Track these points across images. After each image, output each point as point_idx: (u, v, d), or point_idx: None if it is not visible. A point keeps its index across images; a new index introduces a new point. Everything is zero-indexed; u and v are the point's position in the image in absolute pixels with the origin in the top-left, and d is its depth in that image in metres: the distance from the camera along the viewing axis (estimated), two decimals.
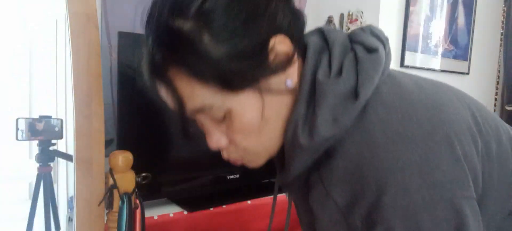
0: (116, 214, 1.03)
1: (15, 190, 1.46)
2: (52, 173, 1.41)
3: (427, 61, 2.02)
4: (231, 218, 1.59)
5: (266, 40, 0.55)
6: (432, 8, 2.00)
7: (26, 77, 1.44)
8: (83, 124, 0.99)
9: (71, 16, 0.99)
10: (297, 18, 0.61)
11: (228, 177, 1.70)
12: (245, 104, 0.57)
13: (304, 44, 0.61)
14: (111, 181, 1.03)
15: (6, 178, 1.44)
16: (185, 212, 1.48)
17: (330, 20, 2.04)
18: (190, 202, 1.54)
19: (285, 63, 0.57)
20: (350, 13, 1.94)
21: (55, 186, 1.45)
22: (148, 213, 1.39)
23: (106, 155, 1.05)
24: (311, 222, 0.65)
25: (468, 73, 2.28)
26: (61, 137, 1.40)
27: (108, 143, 1.55)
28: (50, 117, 1.38)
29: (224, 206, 1.57)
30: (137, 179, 1.08)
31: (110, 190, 1.03)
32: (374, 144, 0.52)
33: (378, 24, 1.81)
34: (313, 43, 0.61)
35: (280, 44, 0.56)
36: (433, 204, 0.50)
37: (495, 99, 2.57)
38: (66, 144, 1.44)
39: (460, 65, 2.23)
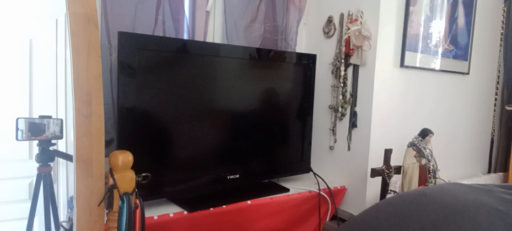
0: (116, 214, 1.03)
1: (15, 190, 1.46)
2: (52, 173, 1.41)
3: (427, 61, 2.02)
4: (231, 218, 1.59)
5: None
6: (432, 8, 2.00)
7: (26, 77, 1.44)
8: (83, 123, 0.99)
9: (71, 16, 0.99)
10: None
11: (228, 177, 1.70)
12: None
13: None
14: (111, 181, 1.03)
15: (6, 178, 1.44)
16: (185, 212, 1.48)
17: (330, 20, 2.04)
18: (190, 202, 1.54)
19: None
20: (350, 13, 1.94)
21: (55, 186, 1.45)
22: (148, 213, 1.39)
23: (106, 155, 1.05)
24: None
25: (468, 73, 2.29)
26: (61, 137, 1.40)
27: (108, 143, 1.55)
28: (50, 117, 1.38)
29: (224, 206, 1.57)
30: (137, 179, 1.08)
31: (110, 190, 1.03)
32: None
33: (378, 24, 1.81)
34: None
35: None
36: None
37: (495, 99, 2.57)
38: (66, 144, 1.44)
39: (460, 65, 2.23)
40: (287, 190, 1.80)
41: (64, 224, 1.42)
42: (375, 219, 0.77)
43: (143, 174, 1.10)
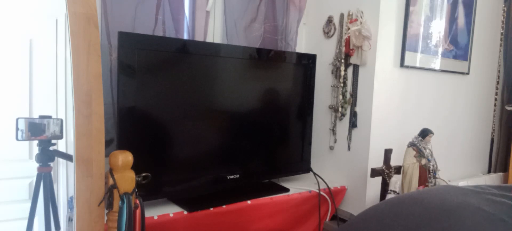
0: (116, 214, 1.03)
1: (15, 190, 1.46)
2: (52, 173, 1.41)
3: (427, 61, 2.02)
4: (231, 218, 1.59)
5: None
6: (432, 8, 2.00)
7: (26, 77, 1.44)
8: (83, 124, 0.99)
9: (71, 16, 0.99)
10: None
11: (228, 177, 1.70)
12: None
13: None
14: (111, 181, 1.03)
15: (6, 178, 1.44)
16: (185, 212, 1.48)
17: (330, 20, 2.04)
18: (190, 202, 1.54)
19: None
20: (350, 13, 1.94)
21: (55, 186, 1.45)
22: (148, 213, 1.39)
23: (106, 155, 1.05)
24: None
25: (468, 73, 2.29)
26: (61, 137, 1.40)
27: (108, 143, 1.55)
28: (50, 117, 1.38)
29: (224, 206, 1.57)
30: (137, 179, 1.08)
31: (110, 190, 1.03)
32: None
33: (378, 24, 1.81)
34: None
35: None
36: None
37: (495, 99, 2.57)
38: (66, 144, 1.44)
39: (460, 65, 2.23)
40: (287, 190, 1.80)
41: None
42: (364, 222, 0.78)
43: (143, 174, 1.10)
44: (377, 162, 1.80)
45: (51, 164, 1.40)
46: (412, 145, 1.76)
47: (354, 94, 1.93)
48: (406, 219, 0.69)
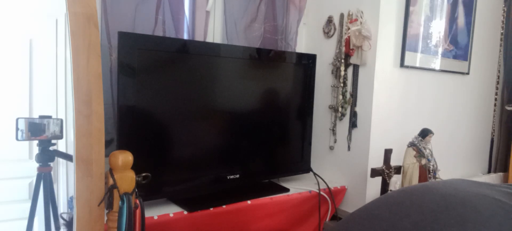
0: (116, 214, 1.03)
1: (15, 190, 1.46)
2: (52, 173, 1.41)
3: (427, 61, 2.02)
4: (231, 218, 1.59)
5: None
6: (432, 8, 2.00)
7: (26, 77, 1.44)
8: (83, 124, 0.99)
9: (71, 16, 0.99)
10: None
11: (228, 177, 1.70)
12: None
13: None
14: (111, 181, 1.03)
15: (6, 178, 1.44)
16: (185, 212, 1.48)
17: (330, 20, 2.04)
18: (190, 202, 1.54)
19: None
20: (350, 13, 1.94)
21: (55, 186, 1.45)
22: (148, 213, 1.39)
23: (106, 155, 1.05)
24: None
25: (468, 73, 2.29)
26: (61, 137, 1.40)
27: (108, 143, 1.55)
28: (50, 117, 1.38)
29: (224, 206, 1.57)
30: (137, 179, 1.08)
31: (110, 190, 1.03)
32: None
33: (378, 24, 1.81)
34: None
35: None
36: None
37: (495, 99, 2.57)
38: (66, 144, 1.44)
39: (460, 65, 2.23)
40: (287, 190, 1.80)
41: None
42: (376, 209, 0.77)
43: (143, 174, 1.10)
44: (377, 162, 1.80)
45: (51, 164, 1.40)
46: (412, 145, 1.76)
47: (354, 94, 1.93)
48: (421, 206, 0.69)
